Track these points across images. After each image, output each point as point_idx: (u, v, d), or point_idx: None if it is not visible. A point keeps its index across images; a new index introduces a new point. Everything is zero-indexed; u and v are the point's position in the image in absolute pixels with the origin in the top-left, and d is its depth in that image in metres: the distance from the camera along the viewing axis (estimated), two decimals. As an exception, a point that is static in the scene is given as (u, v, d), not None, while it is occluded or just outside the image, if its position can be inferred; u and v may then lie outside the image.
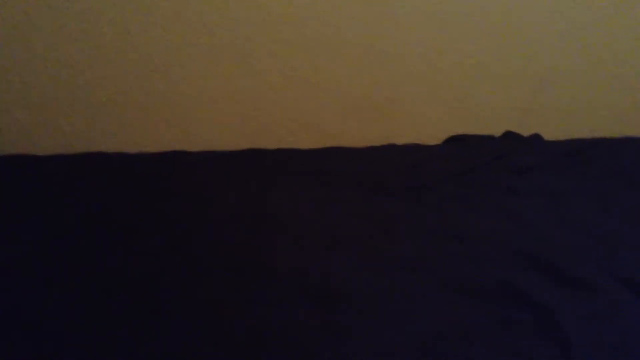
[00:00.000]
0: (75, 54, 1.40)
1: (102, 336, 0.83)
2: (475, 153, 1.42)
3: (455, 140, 1.57)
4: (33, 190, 1.26)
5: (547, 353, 0.83)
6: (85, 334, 0.83)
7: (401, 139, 1.58)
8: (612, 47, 1.57)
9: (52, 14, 1.35)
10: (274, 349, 0.82)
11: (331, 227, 1.11)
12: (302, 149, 1.49)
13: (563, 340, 0.85)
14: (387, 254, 1.03)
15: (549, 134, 1.56)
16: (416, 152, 1.46)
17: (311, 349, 0.82)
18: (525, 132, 1.57)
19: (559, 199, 1.20)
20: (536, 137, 1.54)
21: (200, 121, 1.55)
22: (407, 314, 0.89)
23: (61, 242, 1.06)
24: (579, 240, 1.07)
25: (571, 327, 0.87)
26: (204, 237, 1.08)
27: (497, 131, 1.58)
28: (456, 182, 1.28)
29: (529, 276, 0.97)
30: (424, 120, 1.62)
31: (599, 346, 0.84)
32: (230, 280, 0.95)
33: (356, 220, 1.13)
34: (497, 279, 0.96)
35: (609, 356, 0.82)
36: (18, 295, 0.91)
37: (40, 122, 1.47)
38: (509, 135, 1.55)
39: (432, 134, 1.60)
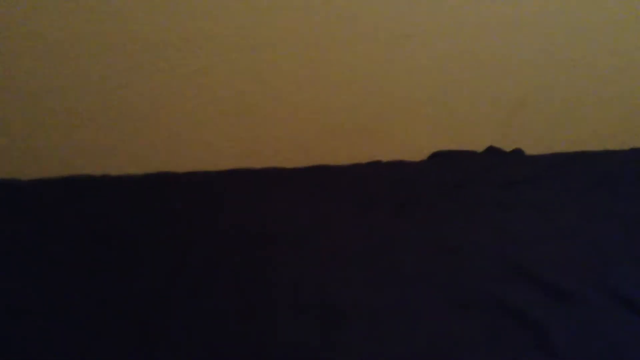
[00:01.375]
0: (58, 77, 1.39)
1: (105, 352, 0.83)
2: (462, 168, 1.44)
3: (440, 156, 1.59)
4: (19, 216, 1.24)
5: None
6: (86, 354, 0.83)
7: (386, 156, 1.60)
8: (591, 64, 1.61)
9: (29, 37, 1.34)
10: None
11: (327, 244, 1.12)
12: (290, 167, 1.50)
13: (552, 353, 0.86)
14: (383, 270, 1.04)
15: (530, 149, 1.59)
16: (402, 168, 1.47)
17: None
18: (507, 147, 1.60)
19: (546, 213, 1.22)
20: (518, 152, 1.57)
21: (185, 143, 1.55)
22: (404, 328, 0.90)
23: (58, 267, 1.05)
24: (567, 253, 1.09)
25: (560, 339, 0.88)
26: (201, 257, 1.08)
27: (479, 147, 1.61)
28: (445, 198, 1.29)
29: (520, 289, 0.99)
30: (409, 137, 1.64)
31: (586, 357, 0.85)
32: (227, 299, 0.96)
33: (351, 237, 1.14)
34: (490, 292, 0.97)
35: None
36: (18, 324, 0.90)
37: (22, 147, 1.45)
38: (491, 150, 1.58)
39: (416, 151, 1.62)
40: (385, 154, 1.61)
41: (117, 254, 1.10)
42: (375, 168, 1.50)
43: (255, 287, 0.99)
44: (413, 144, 1.64)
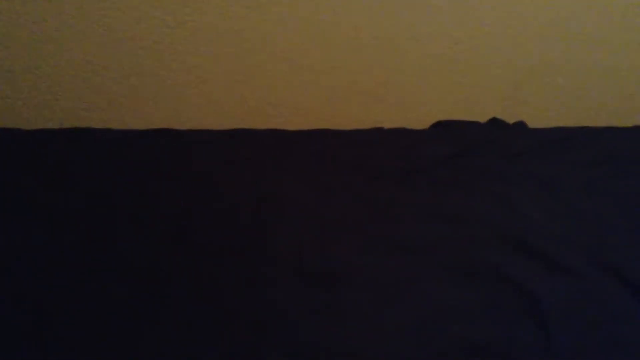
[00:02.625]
0: (63, 28, 1.37)
1: (105, 317, 0.84)
2: (465, 138, 1.44)
3: (442, 126, 1.59)
4: (20, 165, 1.24)
5: (528, 335, 0.87)
6: (87, 316, 0.84)
7: (389, 123, 1.60)
8: (600, 37, 1.60)
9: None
10: (275, 330, 0.84)
11: (328, 210, 1.12)
12: (292, 130, 1.49)
13: (542, 322, 0.89)
14: (383, 237, 1.05)
15: (532, 122, 1.59)
16: (405, 136, 1.47)
17: (311, 329, 0.84)
18: (510, 119, 1.60)
19: (548, 186, 1.22)
20: (521, 124, 1.57)
21: (189, 100, 1.54)
22: (403, 294, 0.92)
23: (55, 221, 1.06)
24: (566, 227, 1.10)
25: (551, 309, 0.91)
26: (202, 220, 1.08)
27: (482, 118, 1.61)
28: (447, 167, 1.29)
29: (518, 261, 1.01)
30: (412, 105, 1.63)
31: (580, 332, 0.88)
32: (230, 263, 0.96)
33: (352, 204, 1.15)
34: (488, 262, 0.99)
35: (590, 341, 0.87)
36: (18, 279, 0.91)
37: (26, 97, 1.44)
38: (494, 122, 1.58)
39: (420, 119, 1.62)
40: (389, 121, 1.61)
41: (118, 211, 1.10)
42: (379, 135, 1.50)
43: (258, 252, 1.00)
44: (416, 112, 1.64)
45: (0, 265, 0.94)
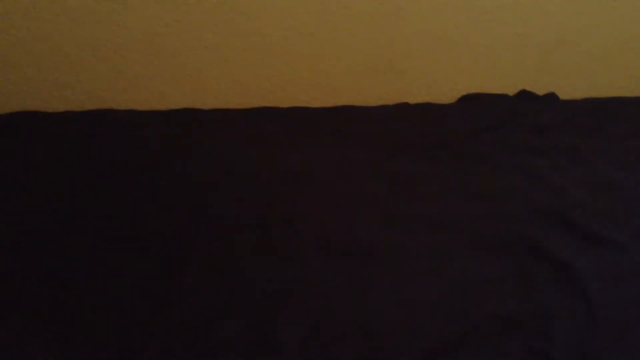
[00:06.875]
0: (83, 9, 1.36)
1: (124, 288, 0.84)
2: (492, 111, 1.40)
3: (469, 99, 1.55)
4: (44, 147, 1.25)
5: (567, 305, 0.84)
6: (107, 287, 0.84)
7: (414, 98, 1.56)
8: (631, 5, 1.53)
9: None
10: (299, 303, 0.83)
11: (352, 186, 1.10)
12: (315, 107, 1.47)
13: (583, 295, 0.86)
14: (410, 212, 1.03)
15: (564, 94, 1.54)
16: (431, 110, 1.44)
17: (336, 303, 0.83)
18: (540, 91, 1.55)
19: (579, 158, 1.20)
20: (552, 96, 1.52)
21: (210, 79, 1.52)
22: (431, 268, 0.90)
23: (78, 200, 1.06)
24: (599, 199, 1.07)
25: (591, 282, 0.88)
26: (225, 196, 1.07)
27: (511, 90, 1.56)
28: (475, 141, 1.27)
29: (551, 233, 0.98)
30: (438, 78, 1.59)
31: (619, 301, 0.85)
32: (254, 238, 0.95)
33: (377, 180, 1.13)
34: (519, 235, 0.96)
35: (631, 311, 0.83)
36: (39, 254, 0.91)
37: (48, 79, 1.44)
38: (524, 94, 1.53)
39: (446, 93, 1.58)
40: (414, 96, 1.57)
41: (140, 190, 1.10)
42: (404, 110, 1.47)
43: (282, 228, 0.98)
44: (442, 86, 1.59)
45: (23, 240, 0.94)
